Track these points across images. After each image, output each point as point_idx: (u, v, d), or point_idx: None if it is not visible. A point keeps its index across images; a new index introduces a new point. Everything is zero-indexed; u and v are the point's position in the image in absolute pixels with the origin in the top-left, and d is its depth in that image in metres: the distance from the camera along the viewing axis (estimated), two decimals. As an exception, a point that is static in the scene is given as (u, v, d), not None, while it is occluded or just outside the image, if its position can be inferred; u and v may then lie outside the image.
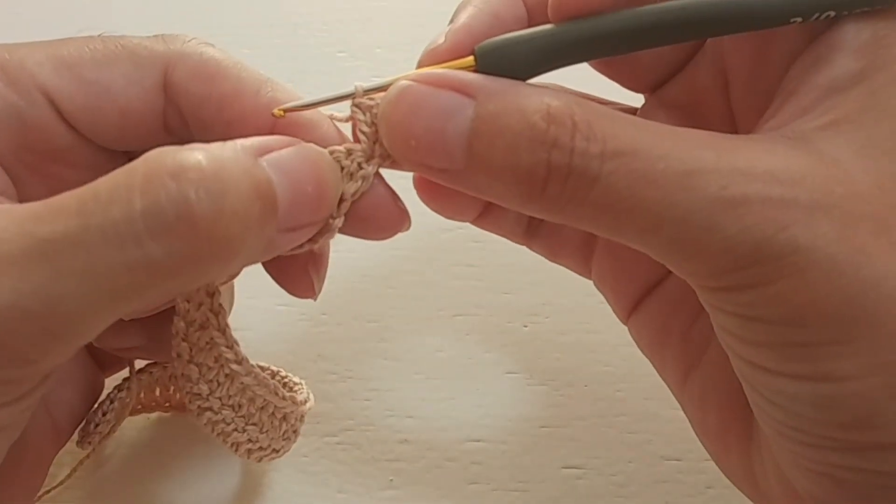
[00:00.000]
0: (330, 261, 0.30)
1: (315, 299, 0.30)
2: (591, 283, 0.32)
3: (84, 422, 0.31)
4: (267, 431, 0.31)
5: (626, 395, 0.37)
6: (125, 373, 0.33)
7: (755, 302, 0.22)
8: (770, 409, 0.23)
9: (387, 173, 0.27)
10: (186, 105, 0.27)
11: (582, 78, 0.26)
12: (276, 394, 0.30)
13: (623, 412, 0.37)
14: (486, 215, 0.30)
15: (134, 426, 0.36)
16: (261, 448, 0.31)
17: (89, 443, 0.31)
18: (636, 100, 0.30)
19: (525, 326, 0.39)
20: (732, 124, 0.28)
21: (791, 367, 0.22)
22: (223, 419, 0.29)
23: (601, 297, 0.33)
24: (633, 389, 0.37)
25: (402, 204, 0.27)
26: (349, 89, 0.25)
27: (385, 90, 0.24)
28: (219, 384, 0.28)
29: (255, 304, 0.39)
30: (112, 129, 0.27)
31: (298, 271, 0.29)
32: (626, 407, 0.37)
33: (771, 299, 0.21)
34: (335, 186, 0.25)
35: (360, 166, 0.25)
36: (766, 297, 0.21)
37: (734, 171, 0.21)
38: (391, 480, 0.35)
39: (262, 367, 0.31)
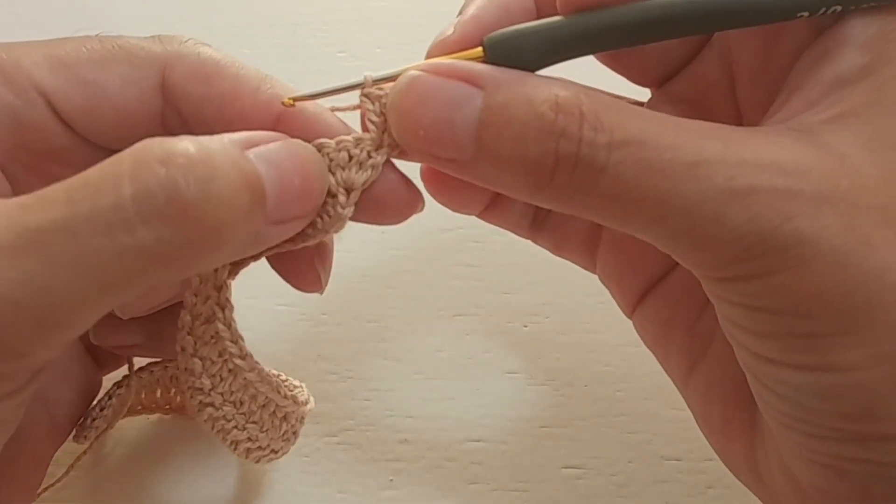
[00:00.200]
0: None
1: (322, 293, 0.30)
2: (591, 283, 0.32)
3: (82, 417, 0.31)
4: (267, 431, 0.31)
5: (626, 395, 0.37)
6: (123, 371, 0.32)
7: (760, 292, 0.22)
8: (774, 400, 0.23)
9: (398, 163, 0.27)
10: (186, 105, 0.27)
11: (588, 72, 0.26)
12: (279, 391, 0.30)
13: (623, 412, 0.37)
14: (492, 208, 0.30)
15: (134, 426, 0.35)
16: (260, 448, 0.31)
17: (86, 437, 0.31)
18: (642, 94, 0.30)
19: (525, 326, 0.39)
20: (739, 118, 0.28)
21: (795, 358, 0.22)
22: (224, 416, 0.29)
23: (601, 297, 0.33)
24: (633, 389, 0.37)
25: (414, 186, 0.27)
26: (358, 79, 0.25)
27: (394, 80, 0.24)
28: (221, 379, 0.28)
29: (255, 304, 0.39)
30: (109, 129, 0.27)
31: (305, 265, 0.29)
32: (626, 407, 0.37)
33: (776, 290, 0.21)
34: (321, 180, 0.25)
35: (369, 155, 0.25)
36: (771, 287, 0.21)
37: (741, 162, 0.21)
38: (391, 480, 0.35)
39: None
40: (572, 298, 0.39)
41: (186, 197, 0.20)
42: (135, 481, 0.35)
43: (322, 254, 0.29)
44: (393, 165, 0.27)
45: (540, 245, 0.32)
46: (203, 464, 0.35)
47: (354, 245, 0.40)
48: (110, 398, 0.31)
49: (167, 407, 0.35)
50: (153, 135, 0.27)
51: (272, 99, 0.27)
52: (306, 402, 0.32)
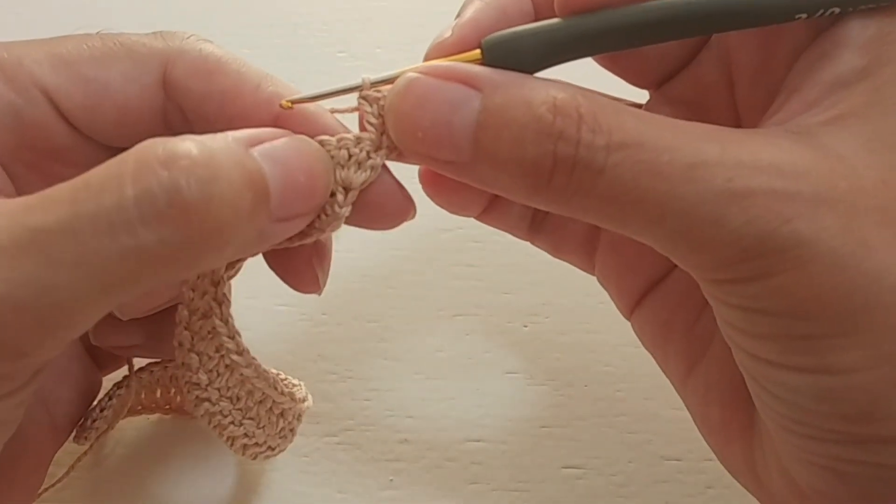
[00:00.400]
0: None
1: (319, 293, 0.30)
2: (591, 283, 0.32)
3: (82, 418, 0.31)
4: (264, 427, 0.31)
5: (626, 395, 0.37)
6: (123, 371, 0.33)
7: (759, 294, 0.22)
8: (772, 402, 0.23)
9: (390, 167, 0.27)
10: (187, 102, 0.27)
11: (586, 74, 0.26)
12: (275, 388, 0.30)
13: (623, 412, 0.37)
14: (490, 210, 0.30)
15: (133, 426, 0.36)
16: (256, 444, 0.31)
17: (86, 438, 0.31)
18: (641, 96, 0.30)
19: (525, 326, 0.39)
20: (737, 120, 0.28)
21: (794, 360, 0.22)
22: (220, 411, 0.29)
23: (601, 297, 0.33)
24: (633, 389, 0.37)
25: (407, 192, 0.27)
26: (356, 81, 0.25)
27: (392, 82, 0.24)
28: (218, 374, 0.28)
29: (255, 304, 0.39)
30: (111, 126, 0.27)
31: (303, 265, 0.29)
32: (626, 407, 0.37)
33: (774, 292, 0.21)
34: (326, 177, 0.25)
35: (368, 156, 0.25)
36: (769, 289, 0.21)
37: (739, 163, 0.21)
38: (391, 480, 0.35)
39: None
40: (572, 298, 0.39)
41: (188, 198, 0.20)
42: (135, 481, 0.35)
43: (320, 254, 0.29)
44: (388, 171, 0.27)
45: (538, 247, 0.32)
46: (203, 464, 0.35)
47: (354, 245, 0.40)
48: (110, 399, 0.31)
49: (167, 407, 0.35)
50: (155, 132, 0.27)
51: (273, 96, 0.27)
52: (304, 400, 0.32)
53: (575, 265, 0.32)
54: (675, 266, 0.28)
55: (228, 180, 0.21)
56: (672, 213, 0.21)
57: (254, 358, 0.29)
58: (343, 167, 0.25)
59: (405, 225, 0.28)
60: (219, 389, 0.29)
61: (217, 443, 0.30)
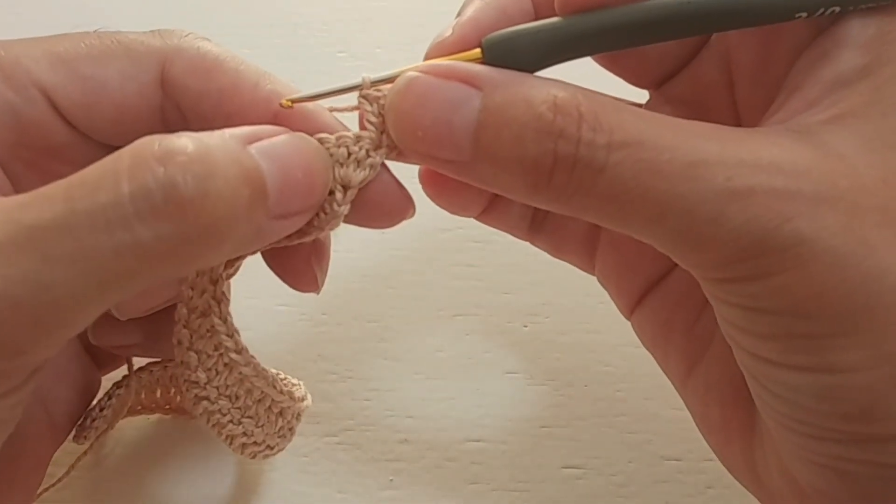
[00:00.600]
0: (330, 260, 0.30)
1: (318, 292, 0.30)
2: (591, 283, 0.32)
3: (81, 417, 0.31)
4: (263, 426, 0.31)
5: (626, 395, 0.37)
6: (123, 371, 0.32)
7: (759, 293, 0.22)
8: (773, 401, 0.23)
9: (390, 167, 0.27)
10: (185, 100, 0.27)
11: (586, 73, 0.26)
12: (274, 386, 0.30)
13: (623, 412, 0.37)
14: (490, 210, 0.30)
15: (133, 426, 0.35)
16: (255, 443, 0.31)
17: (85, 437, 0.31)
18: (641, 96, 0.30)
19: (525, 326, 0.39)
20: (737, 119, 0.28)
21: (794, 359, 0.22)
22: (219, 409, 0.29)
23: (601, 297, 0.33)
24: (633, 389, 0.37)
25: (406, 191, 0.27)
26: (357, 80, 0.25)
27: (392, 81, 0.24)
28: (217, 373, 0.28)
29: (255, 304, 0.39)
30: (109, 124, 0.27)
31: (301, 264, 0.29)
32: (626, 407, 0.37)
33: (775, 291, 0.21)
34: (325, 175, 0.25)
35: (367, 154, 0.25)
36: (770, 288, 0.21)
37: (739, 162, 0.21)
38: (391, 480, 0.35)
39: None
40: (572, 298, 0.39)
41: (184, 194, 0.20)
42: (134, 481, 0.35)
43: (319, 253, 0.29)
44: (387, 169, 0.27)
45: (538, 247, 0.32)
46: (203, 464, 0.35)
47: (354, 245, 0.40)
48: (110, 398, 0.31)
49: (167, 407, 0.35)
50: (153, 130, 0.27)
51: (271, 95, 0.27)
52: (303, 399, 0.32)
53: (575, 265, 0.32)
54: (675, 266, 0.28)
55: (225, 176, 0.21)
56: (672, 211, 0.21)
57: (252, 357, 0.29)
58: (342, 165, 0.25)
59: (405, 224, 0.28)
60: (217, 388, 0.28)
61: (217, 443, 0.30)
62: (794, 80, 0.24)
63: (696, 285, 0.24)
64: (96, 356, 0.32)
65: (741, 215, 0.21)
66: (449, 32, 0.25)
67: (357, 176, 0.25)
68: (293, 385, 0.32)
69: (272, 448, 0.32)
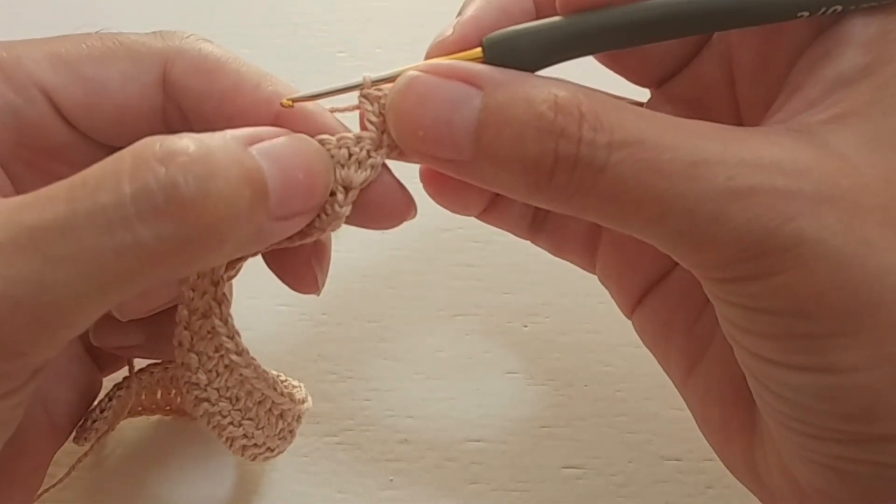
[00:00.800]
0: (330, 261, 0.30)
1: (318, 294, 0.29)
2: (591, 283, 0.32)
3: (82, 419, 0.31)
4: (263, 428, 0.31)
5: (626, 395, 0.37)
6: (123, 372, 0.32)
7: (760, 293, 0.22)
8: (774, 401, 0.23)
9: (391, 166, 0.27)
10: (187, 101, 0.27)
11: (587, 72, 0.26)
12: (275, 388, 0.30)
13: (623, 412, 0.37)
14: (491, 209, 0.30)
15: (134, 427, 0.35)
16: (256, 445, 0.31)
17: (86, 439, 0.31)
18: (642, 95, 0.30)
19: (525, 326, 0.39)
20: (738, 118, 0.28)
21: (795, 359, 0.22)
22: (220, 411, 0.29)
23: (601, 297, 0.33)
24: (633, 389, 0.37)
25: (408, 192, 0.27)
26: (357, 80, 0.25)
27: (393, 81, 0.24)
28: (217, 374, 0.28)
29: (255, 304, 0.39)
30: (110, 125, 0.27)
31: (302, 265, 0.29)
32: (626, 407, 0.37)
33: (776, 290, 0.21)
34: (326, 176, 0.25)
35: (368, 154, 0.25)
36: (771, 288, 0.21)
37: (740, 162, 0.21)
38: (391, 480, 0.35)
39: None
40: (572, 298, 0.39)
41: (185, 195, 0.20)
42: (135, 482, 0.35)
43: (319, 254, 0.29)
44: (389, 171, 0.27)
45: (539, 246, 0.32)
46: (203, 464, 0.35)
47: (354, 245, 0.40)
48: (110, 400, 0.31)
49: (167, 408, 0.35)
50: (154, 131, 0.27)
51: (272, 96, 0.27)
52: (303, 401, 0.32)
53: (576, 264, 0.32)
54: (676, 265, 0.28)
55: (226, 177, 0.21)
56: (673, 211, 0.21)
57: (253, 358, 0.29)
58: (343, 166, 0.25)
59: (405, 224, 0.28)
60: (218, 390, 0.28)
61: (217, 444, 0.30)
62: (795, 79, 0.24)
63: (697, 285, 0.24)
64: (97, 357, 0.32)
65: (742, 215, 0.21)
66: (450, 32, 0.25)
67: (358, 177, 0.25)
68: (294, 387, 0.32)
69: (272, 450, 0.32)
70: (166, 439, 0.36)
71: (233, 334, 0.28)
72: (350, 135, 0.26)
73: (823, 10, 0.23)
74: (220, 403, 0.29)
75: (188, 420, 0.35)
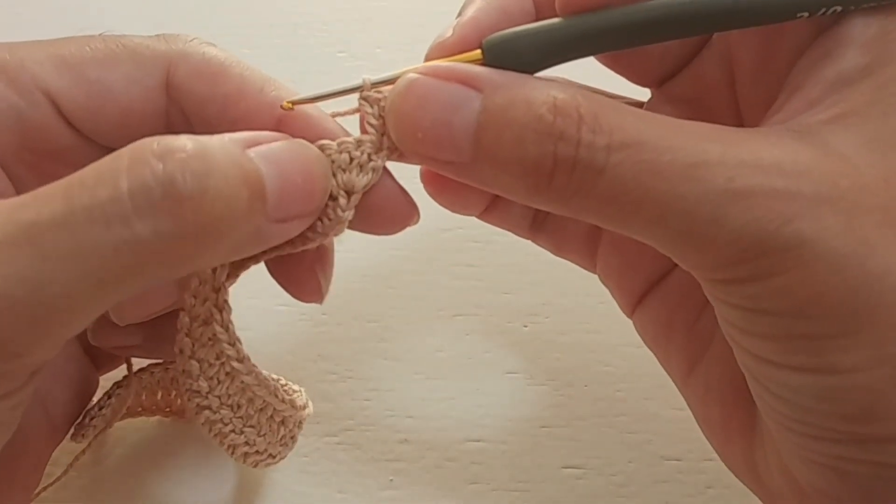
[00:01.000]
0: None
1: (321, 302, 0.29)
2: (591, 283, 0.32)
3: (80, 416, 0.31)
4: (265, 435, 0.31)
5: (626, 395, 0.37)
6: (120, 371, 0.32)
7: (760, 294, 0.22)
8: (774, 402, 0.23)
9: (392, 167, 0.27)
10: (190, 105, 0.27)
11: (588, 72, 0.26)
12: (276, 395, 0.30)
13: (623, 412, 0.37)
14: (492, 209, 0.30)
15: (133, 427, 0.35)
16: (257, 452, 0.31)
17: (83, 436, 0.31)
18: (642, 94, 0.30)
19: (525, 326, 0.39)
20: (739, 118, 0.28)
21: (795, 360, 0.22)
22: (221, 419, 0.29)
23: (601, 297, 0.33)
24: (633, 389, 0.37)
25: (410, 197, 0.27)
26: (357, 82, 0.25)
27: (393, 83, 0.24)
28: (219, 382, 0.28)
29: (255, 304, 0.39)
30: (113, 128, 0.27)
31: (305, 273, 0.29)
32: (626, 407, 0.37)
33: (776, 292, 0.21)
34: (324, 180, 0.25)
35: (369, 158, 0.25)
36: (770, 289, 0.21)
37: (740, 163, 0.21)
38: (391, 480, 0.35)
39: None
40: (572, 298, 0.39)
41: (183, 191, 0.20)
42: (134, 482, 0.35)
43: (323, 261, 0.29)
44: (391, 176, 0.27)
45: (540, 245, 0.32)
46: (203, 465, 0.35)
47: (354, 245, 0.40)
48: (110, 397, 0.31)
49: (167, 409, 0.35)
50: (157, 134, 0.27)
51: (275, 100, 0.27)
52: (304, 407, 0.32)
53: (577, 263, 0.32)
54: (676, 265, 0.28)
55: (224, 176, 0.21)
56: (673, 212, 0.21)
57: (254, 365, 0.29)
58: (345, 171, 0.25)
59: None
60: (219, 397, 0.28)
61: (217, 445, 0.30)
62: (795, 79, 0.24)
63: (697, 285, 0.24)
64: (94, 356, 0.32)
65: (742, 216, 0.21)
66: (449, 33, 0.25)
67: (360, 181, 0.25)
68: (294, 392, 0.32)
69: (274, 456, 0.32)
70: (166, 440, 0.36)
71: (234, 341, 0.28)
72: (350, 139, 0.26)
73: (823, 10, 0.23)
74: (222, 411, 0.29)
75: (188, 421, 0.35)
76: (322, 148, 0.26)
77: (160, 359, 0.33)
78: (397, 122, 0.24)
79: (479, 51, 0.24)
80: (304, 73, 0.47)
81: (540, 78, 0.23)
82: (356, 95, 0.26)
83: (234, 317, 0.28)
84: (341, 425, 0.36)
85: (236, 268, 0.27)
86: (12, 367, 0.22)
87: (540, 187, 0.22)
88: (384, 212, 0.27)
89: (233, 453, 0.30)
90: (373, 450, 0.36)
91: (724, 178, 0.21)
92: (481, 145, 0.23)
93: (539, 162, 0.22)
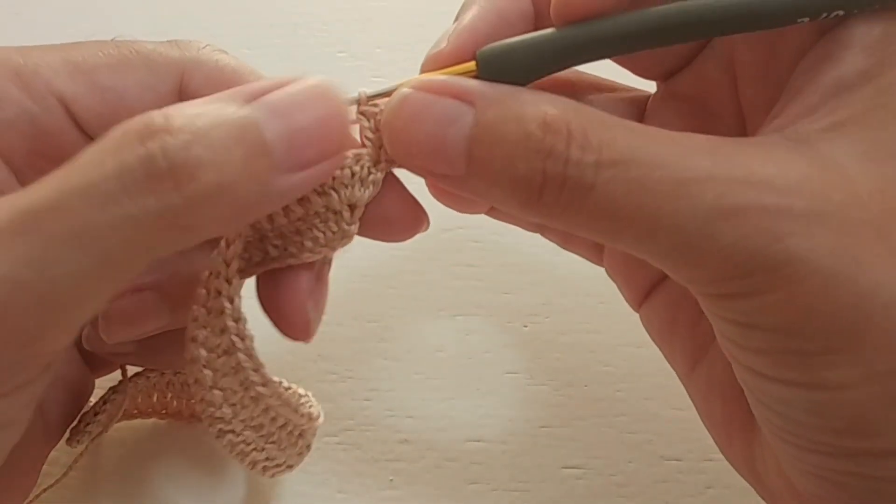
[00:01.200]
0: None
1: (308, 341, 0.28)
2: (591, 283, 0.32)
3: (76, 420, 0.31)
4: (284, 448, 0.31)
5: (626, 395, 0.37)
6: (116, 375, 0.32)
7: (751, 310, 0.22)
8: (768, 414, 0.23)
9: (400, 172, 0.27)
10: None
11: (594, 64, 0.26)
12: (297, 412, 0.30)
13: (623, 412, 0.37)
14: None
15: (131, 427, 0.35)
16: (277, 465, 0.31)
17: (79, 441, 0.30)
18: (650, 84, 0.30)
19: (525, 326, 0.39)
20: (741, 117, 0.28)
21: (787, 374, 0.22)
22: (244, 440, 0.28)
23: (601, 297, 0.33)
24: (633, 389, 0.37)
25: (419, 205, 0.27)
26: (353, 95, 0.25)
27: (388, 95, 0.25)
28: (243, 407, 0.28)
29: (255, 304, 0.39)
30: None
31: (296, 308, 0.27)
32: (626, 407, 0.37)
33: (766, 308, 0.21)
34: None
35: (369, 171, 0.26)
36: (761, 305, 0.21)
37: (730, 179, 0.21)
38: (391, 480, 0.35)
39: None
40: (572, 298, 0.39)
41: (162, 167, 0.20)
42: (132, 483, 0.35)
43: (316, 297, 0.28)
44: (400, 184, 0.27)
45: (548, 239, 0.32)
46: (202, 465, 0.35)
47: (354, 245, 0.40)
48: (105, 402, 0.31)
49: (163, 412, 0.35)
50: None
51: None
52: (318, 417, 0.32)
53: (584, 257, 0.32)
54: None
55: (207, 143, 0.21)
56: (663, 229, 0.21)
57: (276, 384, 0.28)
58: (347, 186, 0.25)
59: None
60: (243, 421, 0.28)
61: (216, 446, 0.30)
62: (796, 82, 0.24)
63: None
64: (90, 359, 0.32)
65: (732, 234, 0.21)
66: (444, 44, 0.25)
67: (363, 195, 0.25)
68: (309, 403, 0.32)
69: (291, 466, 0.32)
70: (165, 440, 0.36)
71: (258, 367, 0.27)
72: (349, 154, 0.26)
73: (825, 15, 0.23)
74: (245, 433, 0.28)
75: (184, 423, 0.35)
76: None
77: (153, 367, 0.33)
78: (392, 138, 0.24)
79: (473, 63, 0.24)
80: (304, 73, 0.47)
81: (534, 91, 0.23)
82: (353, 107, 0.26)
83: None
84: (341, 425, 0.36)
85: (244, 272, 0.27)
86: (26, 355, 0.22)
87: (531, 203, 0.22)
88: (393, 220, 0.27)
89: (253, 468, 0.30)
90: (373, 450, 0.36)
91: (713, 195, 0.21)
92: (474, 160, 0.23)
93: (529, 178, 0.22)
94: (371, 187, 0.26)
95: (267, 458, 0.30)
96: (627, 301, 0.32)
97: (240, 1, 0.51)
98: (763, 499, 0.28)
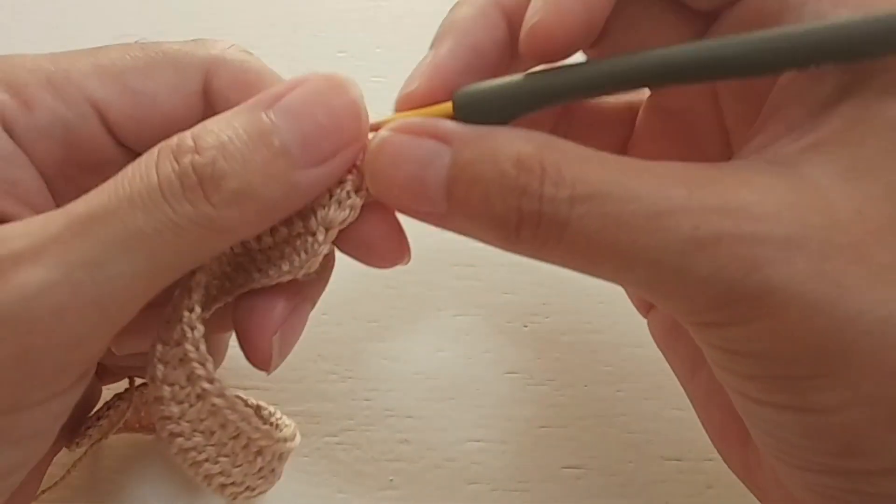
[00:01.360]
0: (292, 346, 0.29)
1: (268, 373, 0.28)
2: (591, 283, 0.32)
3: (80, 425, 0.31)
4: (241, 466, 0.29)
5: (626, 395, 0.37)
6: (123, 383, 0.33)
7: (736, 338, 0.22)
8: (762, 435, 0.24)
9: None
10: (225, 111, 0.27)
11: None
12: (248, 422, 0.28)
13: (623, 412, 0.37)
14: None
15: (133, 439, 0.35)
16: (234, 484, 0.29)
17: (77, 444, 0.30)
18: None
19: (525, 326, 0.39)
20: (725, 132, 0.28)
21: (777, 398, 0.22)
22: (194, 447, 0.27)
23: (601, 297, 0.33)
24: (633, 389, 0.37)
25: (405, 237, 0.28)
26: None
27: (374, 126, 0.25)
28: (190, 405, 0.27)
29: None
30: (156, 137, 0.27)
31: (263, 341, 0.27)
32: (626, 407, 0.37)
33: (751, 336, 0.21)
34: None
35: (348, 195, 0.26)
36: (746, 334, 0.21)
37: (706, 208, 0.21)
38: (391, 480, 0.35)
39: (243, 400, 0.29)
40: (572, 298, 0.39)
41: (193, 180, 0.22)
42: (132, 482, 0.35)
43: (286, 334, 0.28)
44: (391, 215, 0.27)
45: None
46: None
47: (354, 245, 0.40)
48: (108, 409, 0.31)
49: (138, 426, 0.34)
50: None
51: None
52: (287, 439, 0.30)
53: None
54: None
55: (230, 156, 0.23)
56: (640, 262, 0.21)
57: (226, 388, 0.27)
58: (323, 206, 0.26)
59: (405, 224, 0.28)
60: (191, 422, 0.27)
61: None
62: (776, 99, 0.24)
63: None
64: (98, 367, 0.32)
65: (709, 265, 0.21)
66: (415, 85, 0.25)
67: (337, 216, 0.25)
68: (278, 422, 0.31)
69: (253, 489, 0.30)
70: (164, 451, 0.35)
71: (204, 360, 0.26)
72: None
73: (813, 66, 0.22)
74: (195, 438, 0.27)
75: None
76: None
77: None
78: (373, 180, 0.24)
79: (450, 103, 0.25)
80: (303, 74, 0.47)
81: (510, 128, 0.23)
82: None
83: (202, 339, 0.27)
84: (341, 425, 0.36)
85: (210, 301, 0.27)
86: (72, 360, 0.23)
87: (509, 240, 0.23)
88: (374, 249, 0.27)
89: (209, 484, 0.29)
90: (373, 450, 0.36)
91: (689, 226, 0.21)
92: (453, 199, 0.23)
93: (506, 217, 0.22)
94: (348, 211, 0.26)
95: (221, 473, 0.29)
96: (636, 307, 0.32)
97: (240, 1, 0.51)
98: (761, 502, 0.28)
